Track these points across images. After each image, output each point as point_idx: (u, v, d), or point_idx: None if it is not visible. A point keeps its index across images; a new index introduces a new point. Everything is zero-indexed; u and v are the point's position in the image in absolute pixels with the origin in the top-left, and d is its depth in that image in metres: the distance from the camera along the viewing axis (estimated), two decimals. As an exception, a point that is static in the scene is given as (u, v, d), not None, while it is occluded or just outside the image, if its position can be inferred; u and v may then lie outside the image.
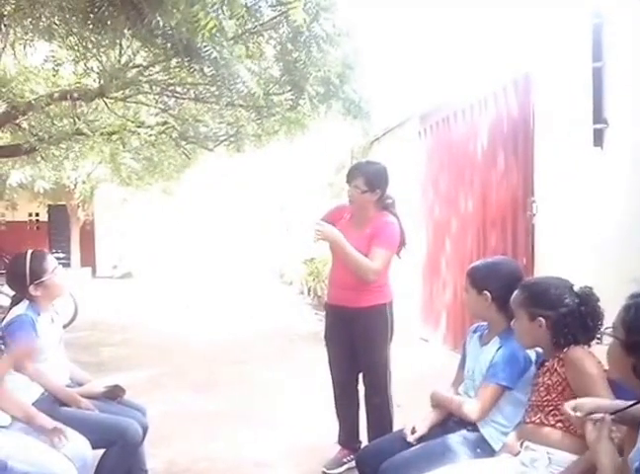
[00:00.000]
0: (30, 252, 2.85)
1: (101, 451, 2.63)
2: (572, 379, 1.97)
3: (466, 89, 5.67)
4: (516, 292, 2.18)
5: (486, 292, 2.40)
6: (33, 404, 2.59)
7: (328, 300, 3.51)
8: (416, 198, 6.90)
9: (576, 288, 2.10)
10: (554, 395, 2.00)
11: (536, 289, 2.14)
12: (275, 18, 3.92)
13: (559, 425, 1.97)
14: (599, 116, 3.65)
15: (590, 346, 2.04)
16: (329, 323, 3.50)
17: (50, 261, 2.88)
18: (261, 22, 3.90)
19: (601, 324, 2.04)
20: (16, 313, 2.77)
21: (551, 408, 2.00)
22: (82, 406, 2.73)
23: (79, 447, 2.43)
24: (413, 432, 2.42)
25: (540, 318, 2.06)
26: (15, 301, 2.87)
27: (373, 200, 3.26)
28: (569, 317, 2.02)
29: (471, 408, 2.33)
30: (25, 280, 2.78)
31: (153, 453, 3.25)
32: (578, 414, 1.69)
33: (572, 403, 1.76)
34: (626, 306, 1.60)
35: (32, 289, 2.78)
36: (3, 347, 2.60)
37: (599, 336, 2.04)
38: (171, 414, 4.19)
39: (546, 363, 2.09)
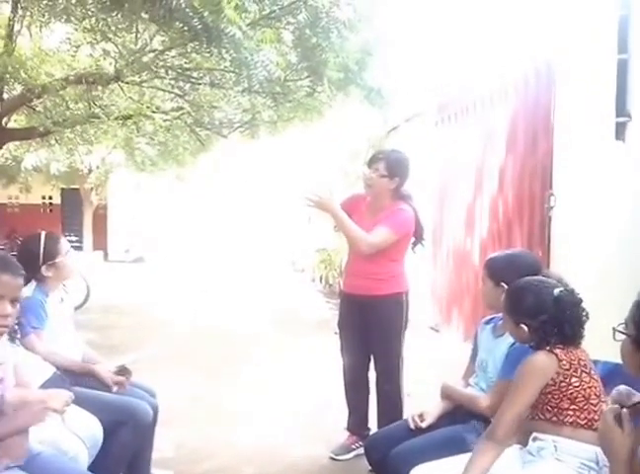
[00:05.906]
0: (44, 233, 2.88)
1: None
2: None
3: (486, 78, 5.60)
4: (502, 296, 2.17)
5: (503, 284, 2.36)
6: (43, 384, 2.58)
7: (344, 288, 3.51)
8: (432, 187, 6.85)
9: (556, 292, 2.04)
10: (540, 395, 1.98)
11: (515, 298, 2.12)
12: (293, 3, 3.88)
13: (554, 419, 1.96)
14: (622, 109, 3.58)
15: (577, 347, 2.00)
16: (343, 310, 3.49)
17: (64, 243, 2.93)
18: (279, 6, 3.85)
19: (582, 328, 2.02)
20: (24, 296, 2.77)
21: (542, 404, 1.98)
22: (102, 375, 2.75)
23: (90, 427, 2.44)
24: (421, 419, 2.41)
25: (522, 325, 2.05)
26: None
27: (390, 188, 3.23)
28: (548, 324, 1.99)
29: (485, 404, 2.30)
30: (38, 261, 2.79)
31: (162, 434, 3.26)
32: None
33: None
34: (637, 302, 1.57)
35: (44, 270, 2.80)
36: (17, 327, 2.61)
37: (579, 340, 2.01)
38: (182, 396, 4.21)
39: None
